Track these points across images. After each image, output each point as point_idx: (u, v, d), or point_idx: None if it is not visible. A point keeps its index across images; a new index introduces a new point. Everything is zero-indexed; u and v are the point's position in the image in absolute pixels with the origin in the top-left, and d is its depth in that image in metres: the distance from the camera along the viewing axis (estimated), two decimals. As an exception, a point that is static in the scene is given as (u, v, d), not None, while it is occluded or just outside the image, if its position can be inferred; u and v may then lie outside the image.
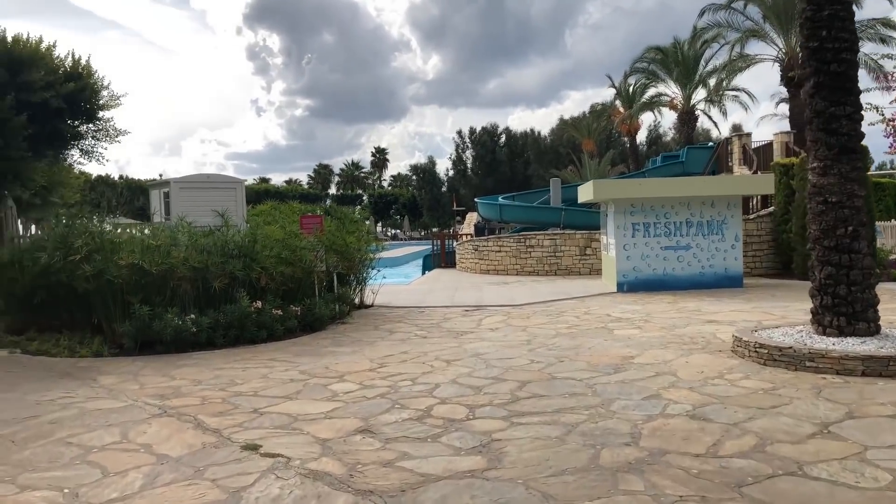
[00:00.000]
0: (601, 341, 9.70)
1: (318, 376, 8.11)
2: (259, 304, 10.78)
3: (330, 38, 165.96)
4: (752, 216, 19.31)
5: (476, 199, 30.55)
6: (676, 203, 16.00)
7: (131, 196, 53.00)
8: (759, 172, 22.59)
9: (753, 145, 25.66)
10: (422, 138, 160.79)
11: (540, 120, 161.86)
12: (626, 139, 51.43)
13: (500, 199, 27.52)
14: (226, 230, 11.69)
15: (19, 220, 24.46)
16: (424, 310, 13.92)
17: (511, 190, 46.38)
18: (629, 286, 15.94)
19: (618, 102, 46.68)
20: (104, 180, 52.24)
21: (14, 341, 11.09)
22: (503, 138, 77.82)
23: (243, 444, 5.61)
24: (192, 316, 10.20)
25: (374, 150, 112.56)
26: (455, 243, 26.86)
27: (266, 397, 7.18)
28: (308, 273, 12.04)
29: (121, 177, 55.95)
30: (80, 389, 7.80)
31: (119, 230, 10.78)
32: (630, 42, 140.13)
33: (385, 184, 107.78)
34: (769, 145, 24.48)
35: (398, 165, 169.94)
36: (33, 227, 31.64)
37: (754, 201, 20.74)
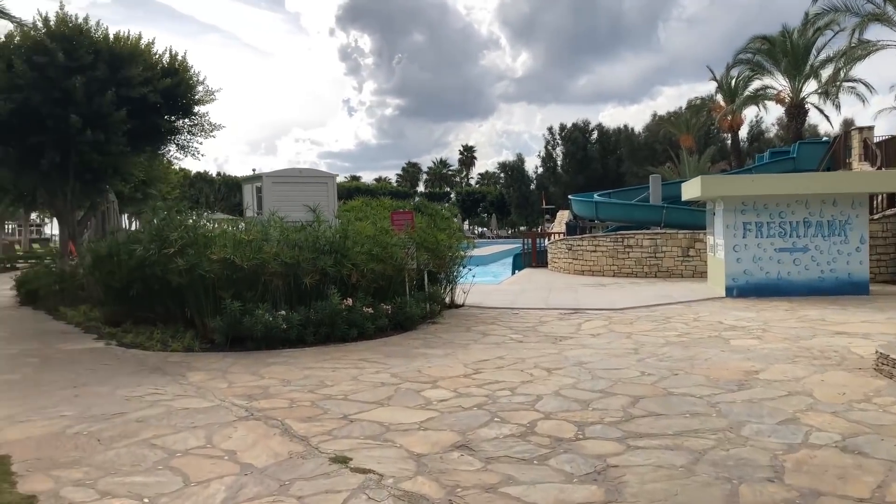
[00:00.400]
0: (717, 352, 8.82)
1: (409, 380, 7.64)
2: (350, 301, 10.44)
3: (420, 38, 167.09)
4: (876, 216, 17.66)
5: (570, 197, 29.54)
6: (793, 201, 14.72)
7: (228, 192, 54.66)
8: (883, 168, 20.74)
9: (875, 140, 23.64)
10: (510, 136, 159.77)
11: (632, 116, 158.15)
12: (726, 135, 49.06)
13: (595, 196, 26.45)
14: (317, 225, 11.43)
15: (122, 215, 25.37)
16: (518, 311, 13.28)
17: (603, 188, 45.06)
18: (739, 291, 14.79)
19: (718, 96, 44.47)
20: (203, 177, 54.06)
21: (111, 332, 11.19)
22: (595, 135, 75.97)
23: (332, 455, 5.16)
24: (283, 312, 9.95)
25: (461, 148, 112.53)
26: (546, 242, 26.02)
27: (356, 402, 6.74)
28: (399, 270, 11.64)
29: (218, 173, 57.78)
30: (168, 386, 7.61)
31: (213, 225, 10.66)
32: (728, 35, 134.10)
33: (472, 181, 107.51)
34: (894, 139, 22.48)
35: (486, 163, 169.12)
36: (135, 221, 32.92)
37: (878, 200, 19.00)
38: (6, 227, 51.29)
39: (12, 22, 13.21)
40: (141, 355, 9.56)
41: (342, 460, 5.04)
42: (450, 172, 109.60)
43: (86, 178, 14.00)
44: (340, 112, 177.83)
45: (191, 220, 10.32)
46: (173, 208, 10.48)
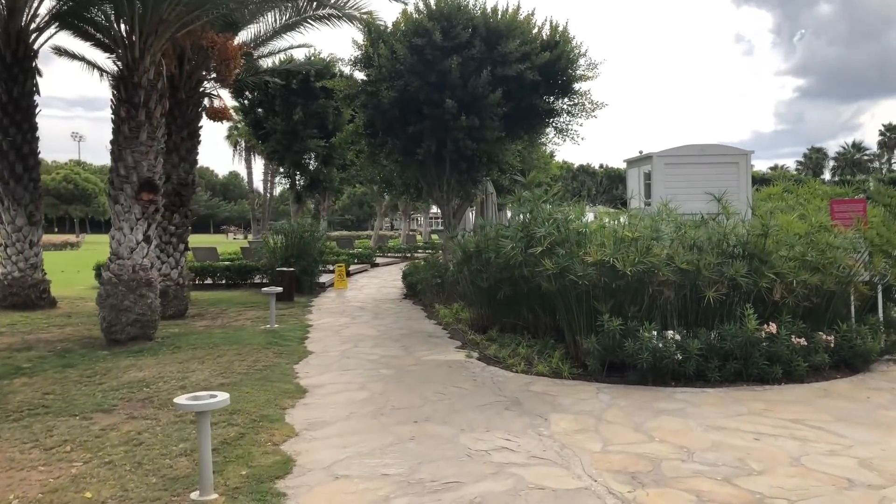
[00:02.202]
0: None
1: (890, 478, 4.51)
2: (772, 327, 7.42)
3: (828, 9, 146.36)
4: None
5: None
6: None
7: (610, 185, 53.20)
8: None
9: None
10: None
11: None
12: None
13: None
14: (724, 219, 8.58)
15: (504, 209, 25.13)
16: None
17: None
18: None
19: None
20: (585, 169, 53.44)
21: (475, 341, 9.87)
22: None
23: None
24: (676, 336, 7.39)
25: (882, 129, 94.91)
26: None
27: (815, 525, 3.93)
28: (844, 284, 8.18)
29: (601, 165, 56.62)
30: (524, 437, 5.64)
31: (589, 218, 8.56)
32: None
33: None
34: None
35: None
36: (509, 213, 33.20)
37: None
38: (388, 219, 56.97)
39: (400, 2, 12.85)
40: (500, 377, 7.88)
41: None
42: (865, 157, 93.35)
43: (461, 167, 13.12)
44: (734, 99, 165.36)
45: (560, 214, 8.33)
46: (540, 198, 8.63)
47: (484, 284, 10.57)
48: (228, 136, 46.76)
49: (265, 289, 12.06)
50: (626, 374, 7.66)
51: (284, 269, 15.77)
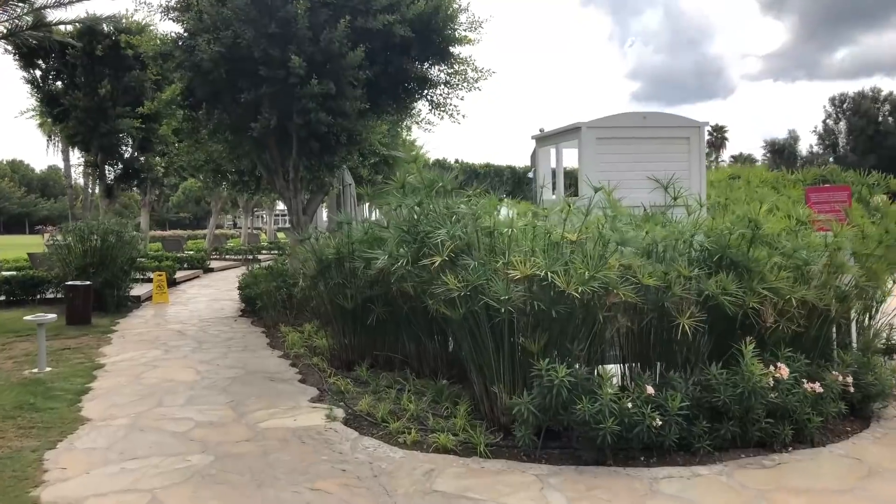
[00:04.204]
0: None
1: None
2: (782, 370, 5.14)
3: (654, 18, 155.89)
4: None
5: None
6: None
7: (465, 182, 51.39)
8: None
9: None
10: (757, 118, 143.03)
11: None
12: None
13: None
14: (674, 214, 6.25)
15: (363, 205, 22.02)
16: None
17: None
18: None
19: None
20: (441, 164, 51.42)
21: (339, 387, 6.96)
22: (885, 106, 62.86)
23: None
24: (649, 389, 4.93)
25: (710, 129, 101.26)
26: None
27: None
28: (844, 300, 6.11)
29: (457, 161, 54.88)
30: None
31: (504, 215, 5.88)
32: None
33: (725, 165, 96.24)
34: None
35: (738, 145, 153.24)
36: (375, 212, 29.81)
37: None
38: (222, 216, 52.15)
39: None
40: (384, 460, 5.05)
41: None
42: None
43: (311, 147, 10.09)
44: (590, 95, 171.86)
45: (463, 207, 5.61)
46: (435, 184, 5.88)
47: (348, 305, 7.70)
48: (41, 125, 40.18)
49: (31, 317, 8.43)
50: (565, 442, 5.14)
51: (77, 283, 11.96)
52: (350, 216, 9.91)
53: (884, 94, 62.71)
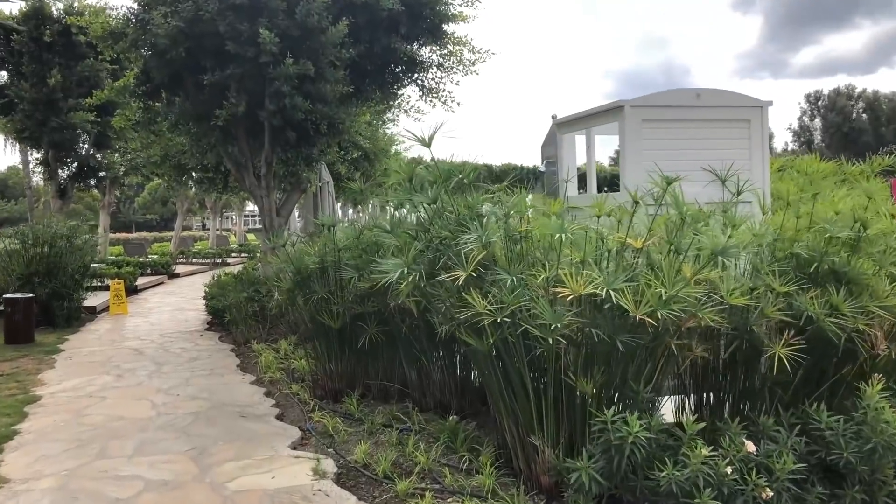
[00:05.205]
0: None
1: None
2: (919, 415, 3.97)
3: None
4: None
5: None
6: None
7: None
8: None
9: None
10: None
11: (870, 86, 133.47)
12: None
13: None
14: (735, 212, 5.06)
15: (342, 206, 20.58)
16: None
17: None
18: None
19: None
20: (417, 162, 49.96)
21: (324, 429, 5.66)
22: (859, 103, 62.94)
23: None
24: (747, 444, 3.73)
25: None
26: None
27: None
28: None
29: (433, 159, 53.42)
30: None
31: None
32: None
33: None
34: None
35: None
36: (356, 214, 28.01)
37: None
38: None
39: None
40: (394, 547, 3.79)
41: None
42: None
43: (286, 137, 8.74)
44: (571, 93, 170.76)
45: (489, 207, 4.35)
46: (451, 177, 4.59)
47: (335, 324, 6.40)
48: (1, 126, 38.05)
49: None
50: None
51: (17, 295, 10.47)
52: (333, 218, 8.62)
53: (858, 90, 62.85)
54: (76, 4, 16.64)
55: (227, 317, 10.39)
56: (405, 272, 4.04)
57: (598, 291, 3.75)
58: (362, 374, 6.63)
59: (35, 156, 18.49)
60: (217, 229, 36.12)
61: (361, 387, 6.58)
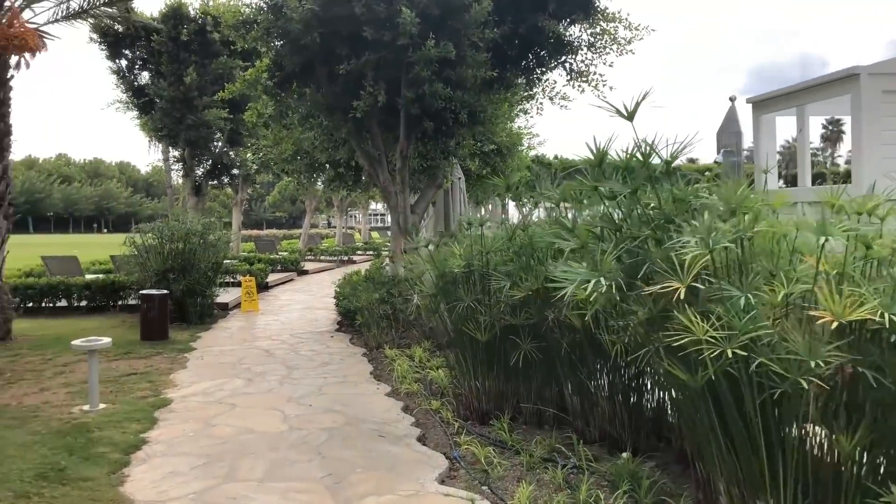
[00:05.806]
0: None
1: None
2: None
3: None
4: None
5: None
6: None
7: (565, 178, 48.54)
8: None
9: None
10: None
11: None
12: None
13: None
14: None
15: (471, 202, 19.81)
16: None
17: None
18: None
19: None
20: (539, 160, 48.80)
21: (474, 458, 4.87)
22: None
23: None
24: None
25: (824, 122, 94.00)
26: None
27: None
28: None
29: (556, 156, 52.10)
30: None
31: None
32: None
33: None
34: None
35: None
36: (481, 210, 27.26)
37: None
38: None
39: None
40: None
41: None
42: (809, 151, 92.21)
43: (424, 129, 8.04)
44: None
45: (713, 199, 3.38)
46: (655, 168, 3.64)
47: (482, 336, 5.61)
48: (142, 126, 40.42)
49: (78, 341, 6.75)
50: None
51: (152, 291, 10.41)
52: (469, 217, 7.86)
53: None
54: (211, 3, 16.88)
55: (358, 319, 9.86)
56: (601, 282, 3.13)
57: (874, 317, 2.72)
58: (512, 395, 5.81)
59: (173, 153, 18.98)
60: (343, 227, 36.55)
61: (511, 408, 5.76)
